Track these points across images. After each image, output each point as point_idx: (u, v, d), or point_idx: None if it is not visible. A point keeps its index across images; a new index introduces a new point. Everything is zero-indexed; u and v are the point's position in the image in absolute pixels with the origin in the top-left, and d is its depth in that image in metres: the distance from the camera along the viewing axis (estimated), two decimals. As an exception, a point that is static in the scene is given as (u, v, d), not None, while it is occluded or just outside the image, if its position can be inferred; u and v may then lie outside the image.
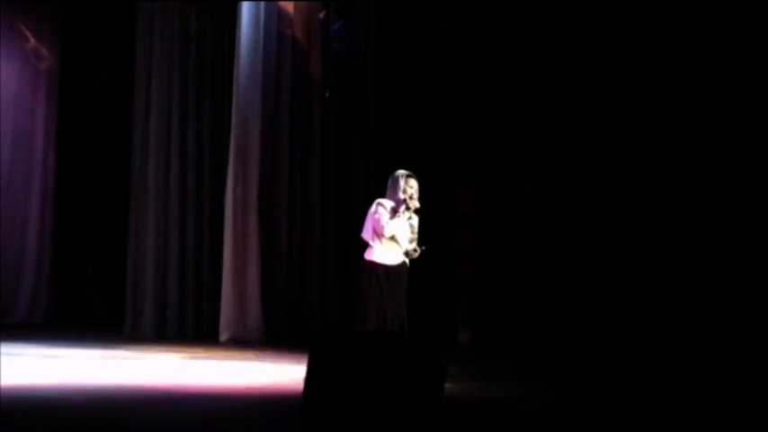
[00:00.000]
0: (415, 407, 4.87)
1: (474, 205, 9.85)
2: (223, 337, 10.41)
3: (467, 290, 9.74)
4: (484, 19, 9.90)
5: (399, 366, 4.95)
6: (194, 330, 11.02)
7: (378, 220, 6.97)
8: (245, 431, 5.41)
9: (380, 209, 7.01)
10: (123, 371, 7.84)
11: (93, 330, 11.42)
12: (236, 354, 9.30)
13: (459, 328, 9.71)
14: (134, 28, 11.58)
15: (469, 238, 9.81)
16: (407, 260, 7.07)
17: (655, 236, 8.98)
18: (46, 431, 5.29)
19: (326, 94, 11.25)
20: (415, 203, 7.00)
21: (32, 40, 12.46)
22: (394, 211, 6.98)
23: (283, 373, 7.64)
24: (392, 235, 6.97)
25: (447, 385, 5.20)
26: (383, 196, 7.10)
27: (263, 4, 10.93)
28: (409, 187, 6.99)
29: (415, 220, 7.09)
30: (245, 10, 10.78)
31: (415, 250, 7.02)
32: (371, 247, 7.04)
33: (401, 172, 7.08)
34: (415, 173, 7.12)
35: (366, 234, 7.10)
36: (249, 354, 9.28)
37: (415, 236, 7.07)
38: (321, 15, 11.37)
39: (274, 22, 11.05)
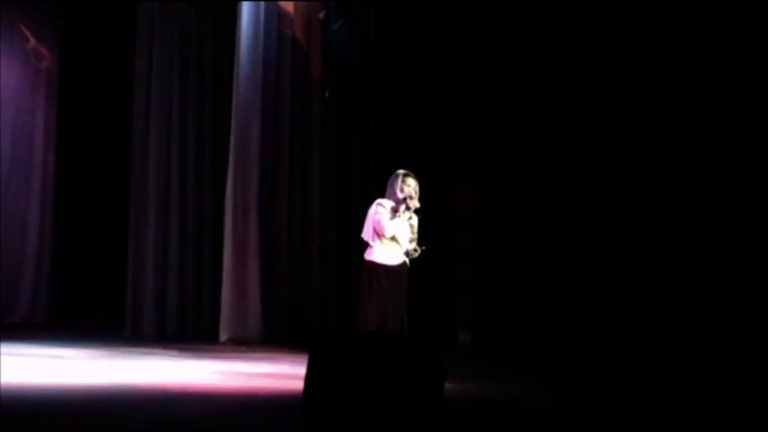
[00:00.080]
0: (415, 407, 4.87)
1: (474, 205, 9.85)
2: (223, 337, 10.42)
3: (467, 290, 9.74)
4: (484, 19, 9.90)
5: (399, 366, 4.94)
6: (194, 330, 11.02)
7: (378, 221, 6.97)
8: (245, 431, 5.41)
9: (380, 209, 7.01)
10: (123, 371, 7.84)
11: (93, 330, 11.42)
12: (236, 354, 9.29)
13: (459, 328, 9.71)
14: (134, 28, 11.58)
15: (469, 238, 9.81)
16: (408, 260, 7.07)
17: (654, 236, 8.98)
18: (46, 431, 5.28)
19: (326, 94, 11.25)
20: (415, 203, 7.00)
21: (32, 40, 12.47)
22: (394, 211, 6.98)
23: (283, 373, 7.64)
24: (392, 235, 6.97)
25: (447, 385, 5.20)
26: (383, 196, 7.10)
27: (263, 4, 10.93)
28: (406, 186, 6.99)
29: (415, 219, 7.09)
30: (245, 10, 10.79)
31: (415, 250, 7.02)
32: (371, 247, 7.04)
33: (400, 172, 7.08)
34: (414, 173, 7.12)
35: (366, 234, 7.10)
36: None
37: (416, 236, 7.07)
38: (321, 15, 11.37)
39: (274, 22, 11.06)
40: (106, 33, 12.84)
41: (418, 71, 10.13)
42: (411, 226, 7.05)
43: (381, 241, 6.99)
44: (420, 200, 7.04)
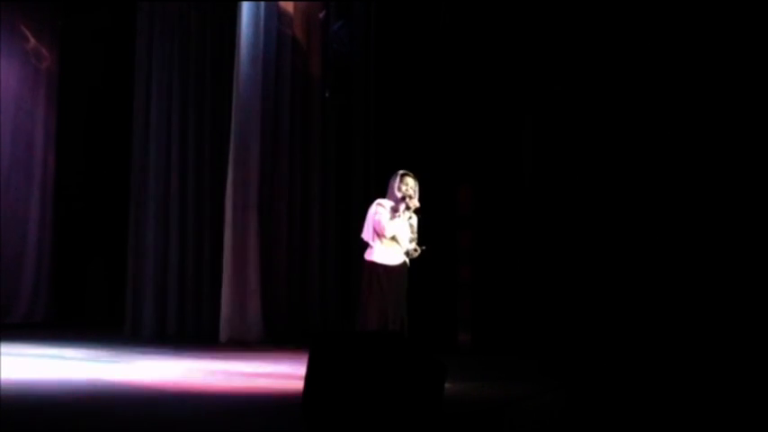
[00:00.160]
0: (415, 407, 4.87)
1: (473, 205, 9.85)
2: (223, 337, 10.41)
3: (467, 290, 9.74)
4: (484, 19, 9.90)
5: (399, 366, 4.95)
6: (194, 330, 11.02)
7: (378, 221, 6.97)
8: (245, 431, 5.41)
9: (380, 209, 7.01)
10: (123, 371, 7.84)
11: (93, 330, 11.44)
12: (236, 354, 9.29)
13: (460, 328, 9.71)
14: (134, 28, 11.59)
15: (469, 238, 9.81)
16: (408, 260, 7.07)
17: (654, 236, 8.98)
18: (46, 431, 5.28)
19: (326, 94, 11.25)
20: (415, 203, 7.00)
21: (32, 40, 12.48)
22: (393, 211, 6.98)
23: (283, 373, 7.64)
24: (393, 235, 6.97)
25: (447, 385, 5.20)
26: (383, 196, 7.10)
27: (263, 4, 10.93)
28: (405, 185, 6.99)
29: (415, 219, 7.09)
30: (245, 10, 10.79)
31: (415, 250, 7.02)
32: (371, 247, 7.04)
33: (399, 171, 7.09)
34: (414, 173, 7.12)
35: (366, 235, 7.10)
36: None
37: (415, 235, 7.07)
38: (321, 15, 11.37)
39: (274, 21, 11.06)
40: (106, 33, 12.85)
41: (418, 71, 10.12)
42: (411, 226, 7.06)
43: (381, 241, 7.00)
44: (420, 200, 7.04)
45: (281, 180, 10.99)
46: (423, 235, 7.13)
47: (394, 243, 7.00)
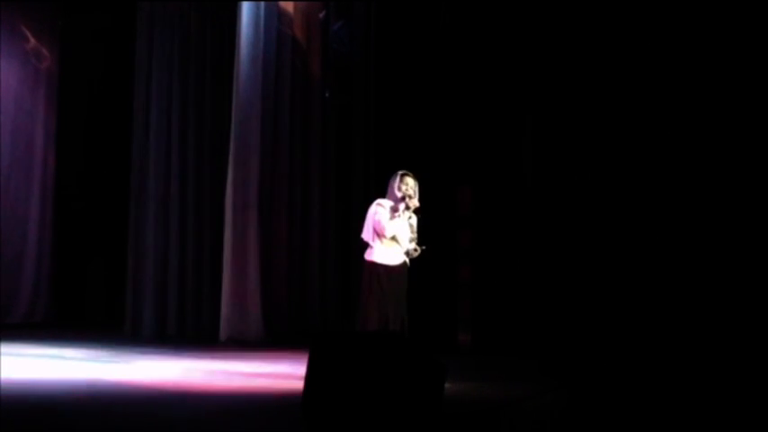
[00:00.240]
0: (415, 407, 4.87)
1: (473, 205, 9.84)
2: (223, 337, 10.42)
3: (467, 290, 9.74)
4: (484, 19, 9.89)
5: (399, 366, 4.95)
6: (194, 330, 11.02)
7: (378, 221, 6.98)
8: (245, 431, 5.41)
9: (380, 209, 7.01)
10: (123, 371, 7.84)
11: (93, 330, 11.44)
12: (236, 354, 9.29)
13: (460, 328, 9.71)
14: (134, 28, 11.60)
15: (469, 238, 9.81)
16: (408, 260, 7.07)
17: (654, 236, 8.98)
18: (46, 431, 5.28)
19: (326, 94, 11.25)
20: (415, 203, 7.00)
21: (32, 40, 12.48)
22: (393, 211, 6.99)
23: (283, 373, 7.64)
24: (393, 235, 6.97)
25: (447, 385, 5.20)
26: (383, 196, 7.10)
27: (263, 4, 10.93)
28: (404, 185, 6.99)
29: (415, 219, 7.09)
30: (245, 10, 10.79)
31: (415, 250, 7.02)
32: (372, 247, 7.04)
33: (399, 171, 7.09)
34: (414, 173, 7.12)
35: (366, 235, 7.10)
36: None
37: (415, 235, 7.07)
38: (321, 15, 11.37)
39: (274, 22, 11.06)
40: (106, 33, 12.85)
41: (418, 71, 10.12)
42: (411, 226, 7.06)
43: (381, 241, 7.00)
44: (420, 200, 7.04)
45: (281, 180, 10.99)
46: (423, 235, 7.13)
47: (394, 243, 7.00)
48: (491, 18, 9.86)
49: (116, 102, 12.50)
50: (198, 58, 11.38)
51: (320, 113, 11.22)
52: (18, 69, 12.32)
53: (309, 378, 5.06)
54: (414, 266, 7.14)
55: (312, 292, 11.03)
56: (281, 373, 7.68)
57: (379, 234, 6.99)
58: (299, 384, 5.21)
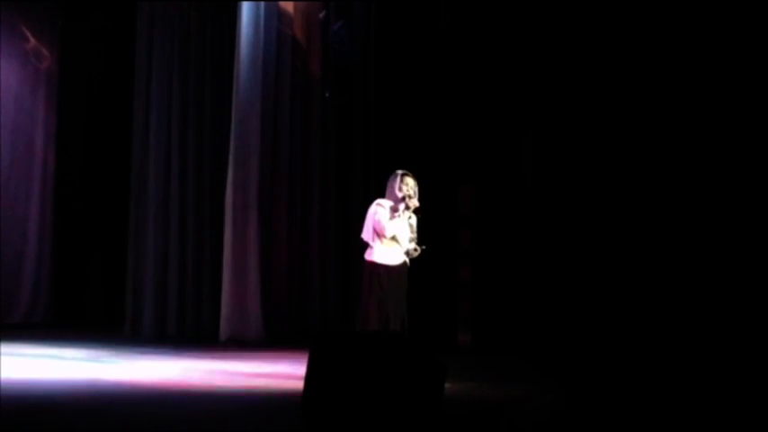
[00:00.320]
0: (415, 407, 4.87)
1: (473, 205, 9.84)
2: (223, 337, 10.42)
3: (467, 290, 9.74)
4: (484, 19, 9.89)
5: (399, 366, 4.95)
6: (194, 330, 11.02)
7: (378, 221, 6.98)
8: (245, 431, 5.41)
9: (380, 209, 7.01)
10: (123, 371, 7.84)
11: (93, 330, 11.44)
12: (236, 354, 9.30)
13: (460, 328, 9.71)
14: (134, 29, 11.59)
15: (469, 238, 9.80)
16: (408, 260, 7.07)
17: (654, 237, 8.98)
18: (46, 431, 5.28)
19: (326, 94, 11.25)
20: (414, 202, 7.00)
21: (32, 40, 12.48)
22: (393, 211, 6.99)
23: (283, 373, 7.64)
24: (393, 235, 6.97)
25: (447, 385, 5.20)
26: (383, 196, 7.10)
27: (263, 4, 10.93)
28: (405, 185, 7.00)
29: (414, 219, 7.09)
30: (245, 10, 10.79)
31: (415, 249, 7.02)
32: (372, 247, 7.04)
33: (398, 171, 7.09)
34: (414, 173, 7.12)
35: (366, 235, 7.10)
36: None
37: (415, 235, 7.08)
38: (321, 15, 11.37)
39: (274, 22, 11.06)
40: (106, 33, 12.85)
41: (418, 71, 10.12)
42: (411, 226, 7.06)
43: (382, 241, 7.00)
44: (420, 200, 7.05)
45: (281, 180, 10.99)
46: (423, 235, 7.13)
47: (394, 243, 7.00)
48: (491, 17, 9.86)
49: (116, 102, 12.50)
50: (198, 58, 11.38)
51: (320, 113, 11.22)
52: (18, 69, 12.32)
53: (309, 378, 5.06)
54: (414, 266, 7.14)
55: (312, 292, 11.04)
56: (281, 373, 7.68)
57: (379, 234, 6.99)
58: (299, 384, 5.21)
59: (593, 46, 9.39)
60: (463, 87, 9.94)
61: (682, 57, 9.03)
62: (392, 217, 6.97)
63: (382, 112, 10.51)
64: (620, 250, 9.07)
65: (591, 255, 9.20)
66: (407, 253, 7.04)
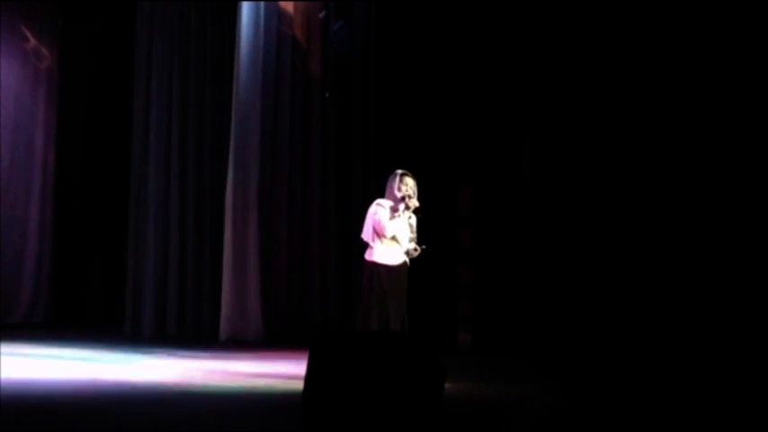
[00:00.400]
0: (415, 407, 4.87)
1: (473, 205, 9.84)
2: (223, 337, 10.42)
3: (467, 290, 9.74)
4: (483, 18, 9.89)
5: (399, 366, 4.95)
6: (194, 330, 11.02)
7: (378, 221, 6.98)
8: (245, 431, 5.41)
9: (380, 209, 7.02)
10: (123, 371, 7.84)
11: (93, 330, 11.44)
12: (236, 354, 9.29)
13: (460, 328, 9.71)
14: (134, 28, 11.59)
15: (469, 238, 9.80)
16: (408, 260, 7.07)
17: (654, 236, 8.98)
18: (46, 431, 5.28)
19: (326, 94, 11.25)
20: (414, 202, 7.00)
21: (32, 40, 12.48)
22: (393, 211, 6.99)
23: (283, 373, 7.64)
24: (393, 235, 6.97)
25: (447, 385, 5.20)
26: (383, 196, 7.11)
27: (263, 4, 10.93)
28: (404, 185, 7.00)
29: (414, 219, 7.09)
30: (245, 10, 10.79)
31: (415, 249, 7.03)
32: (372, 247, 7.04)
33: (398, 171, 7.09)
34: (414, 173, 7.13)
35: (366, 235, 7.11)
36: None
37: (415, 235, 7.08)
38: (321, 15, 11.37)
39: (274, 22, 11.06)
40: (106, 33, 12.85)
41: (418, 71, 10.12)
42: (410, 225, 7.06)
43: (382, 241, 7.00)
44: (419, 200, 7.05)
45: (281, 180, 10.99)
46: (423, 235, 7.13)
47: (394, 243, 7.00)
48: (491, 17, 9.86)
49: (116, 102, 12.49)
50: (198, 58, 11.37)
51: (320, 113, 11.22)
52: (18, 69, 12.32)
53: (309, 378, 5.06)
54: (414, 266, 7.14)
55: (312, 292, 11.03)
56: (281, 373, 7.68)
57: (379, 234, 6.99)
58: (299, 384, 5.20)
59: (592, 46, 9.39)
60: (463, 87, 9.94)
61: (680, 58, 9.03)
62: (392, 217, 6.97)
63: (382, 112, 10.51)
64: (619, 250, 9.07)
65: (591, 255, 9.20)
66: (407, 253, 7.04)
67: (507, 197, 9.78)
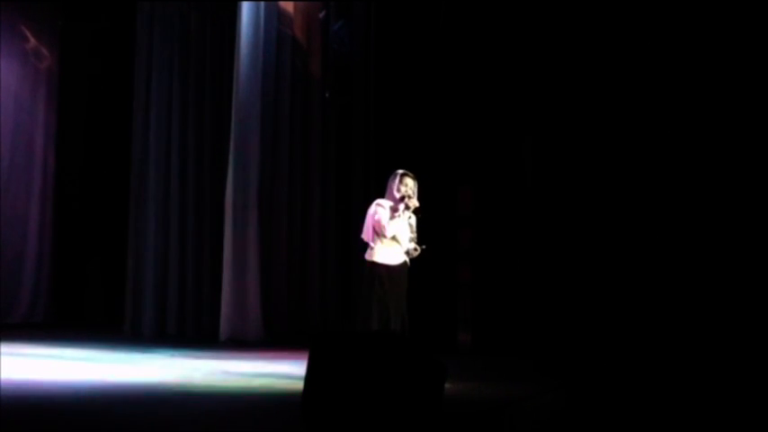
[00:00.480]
0: (415, 407, 4.87)
1: (473, 205, 9.84)
2: (223, 337, 10.42)
3: (467, 290, 9.74)
4: (483, 18, 9.89)
5: (399, 366, 4.94)
6: (194, 330, 11.02)
7: (378, 221, 6.98)
8: (245, 431, 5.41)
9: (380, 209, 7.01)
10: (123, 371, 7.84)
11: (93, 330, 11.44)
12: (236, 354, 9.29)
13: (460, 328, 9.71)
14: (134, 28, 11.59)
15: (469, 238, 9.80)
16: (408, 260, 7.07)
17: (654, 236, 8.98)
18: (46, 431, 5.28)
19: (326, 94, 11.25)
20: (414, 202, 7.00)
21: (32, 40, 12.48)
22: (393, 211, 6.99)
23: (283, 373, 7.64)
24: (393, 235, 6.97)
25: (447, 385, 5.20)
26: (383, 196, 7.10)
27: (263, 4, 10.93)
28: (404, 185, 7.00)
29: (414, 219, 7.09)
30: (245, 10, 10.79)
31: (415, 249, 7.03)
32: (372, 247, 7.04)
33: (398, 171, 7.09)
34: (414, 173, 7.12)
35: (366, 235, 7.11)
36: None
37: (415, 235, 7.08)
38: (321, 15, 11.37)
39: (274, 22, 11.06)
40: (106, 33, 12.85)
41: (418, 71, 10.12)
42: (410, 225, 7.06)
43: (382, 241, 7.00)
44: (419, 200, 7.05)
45: (281, 180, 10.99)
46: (423, 235, 7.13)
47: (394, 243, 7.00)
48: (491, 17, 9.86)
49: (116, 102, 12.49)
50: (198, 58, 11.37)
51: (320, 113, 11.22)
52: (18, 69, 12.32)
53: (309, 378, 5.06)
54: (414, 266, 7.14)
55: (312, 292, 11.03)
56: (281, 373, 7.68)
57: (379, 234, 6.99)
58: (299, 384, 5.20)
59: (592, 45, 9.39)
60: (463, 87, 9.94)
61: (680, 59, 9.03)
62: (392, 217, 6.97)
63: (382, 112, 10.51)
64: (619, 250, 9.07)
65: (590, 255, 9.20)
66: (407, 253, 7.04)
67: (507, 197, 9.78)
